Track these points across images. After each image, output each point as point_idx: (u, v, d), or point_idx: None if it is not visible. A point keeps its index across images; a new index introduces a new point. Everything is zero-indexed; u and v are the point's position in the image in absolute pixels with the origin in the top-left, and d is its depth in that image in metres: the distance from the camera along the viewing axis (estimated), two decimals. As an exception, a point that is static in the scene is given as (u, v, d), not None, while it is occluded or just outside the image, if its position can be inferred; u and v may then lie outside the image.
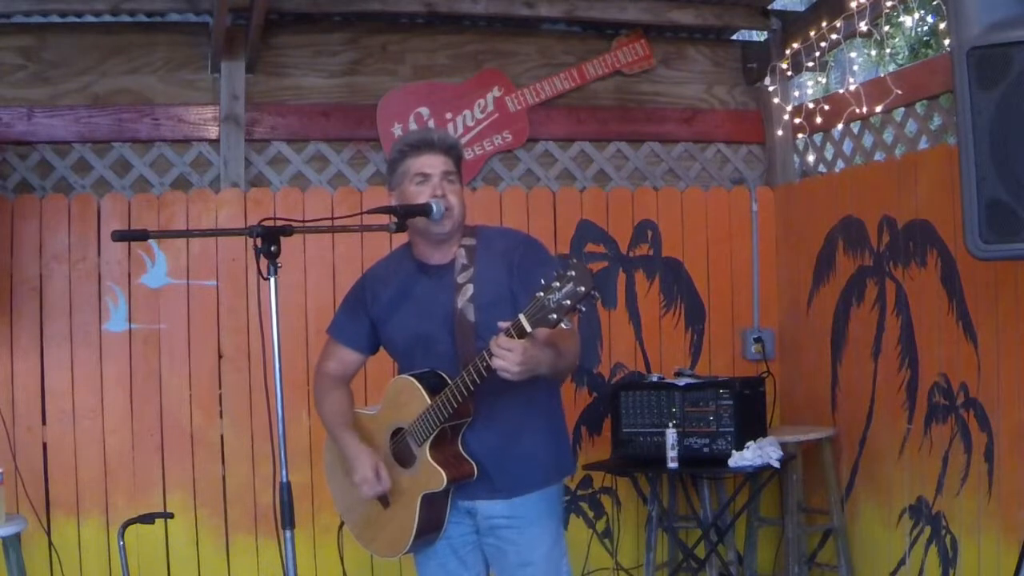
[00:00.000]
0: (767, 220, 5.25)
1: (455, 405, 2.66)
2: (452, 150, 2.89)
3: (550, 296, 2.33)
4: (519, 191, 5.02)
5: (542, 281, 2.36)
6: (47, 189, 4.58)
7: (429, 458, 2.74)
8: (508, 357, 2.45)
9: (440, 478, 2.73)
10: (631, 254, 5.11)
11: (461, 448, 2.80)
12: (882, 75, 4.51)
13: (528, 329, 2.40)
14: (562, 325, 2.36)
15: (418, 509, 2.78)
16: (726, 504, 4.58)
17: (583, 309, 2.38)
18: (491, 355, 2.48)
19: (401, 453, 2.86)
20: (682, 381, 4.45)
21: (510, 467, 2.83)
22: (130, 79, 4.74)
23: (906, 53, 9.42)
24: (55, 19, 4.69)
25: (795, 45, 4.82)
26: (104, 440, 4.48)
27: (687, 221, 5.18)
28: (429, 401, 2.72)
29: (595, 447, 4.93)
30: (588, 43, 5.27)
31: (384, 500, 2.91)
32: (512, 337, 2.43)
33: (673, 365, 4.96)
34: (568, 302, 2.32)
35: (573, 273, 2.32)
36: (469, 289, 2.83)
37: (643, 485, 4.65)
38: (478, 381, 2.59)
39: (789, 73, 5.08)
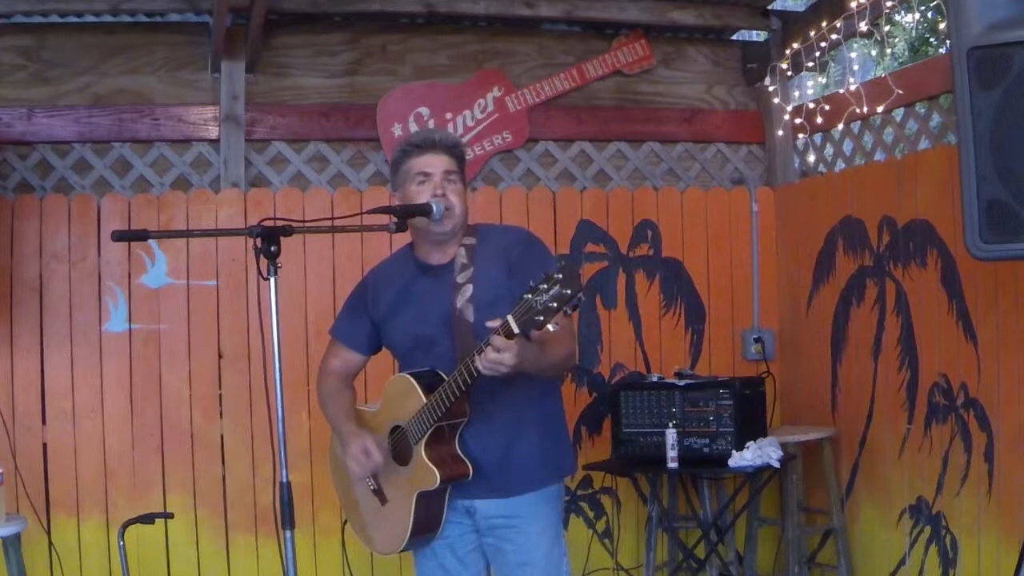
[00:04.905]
0: (767, 220, 5.25)
1: (449, 404, 2.67)
2: (454, 150, 2.90)
3: (537, 298, 2.32)
4: (519, 191, 5.02)
5: (530, 283, 2.36)
6: (47, 189, 4.58)
7: (424, 457, 2.74)
8: (502, 359, 2.45)
9: (434, 477, 2.73)
10: (631, 254, 5.11)
11: (458, 447, 2.80)
12: (882, 75, 4.51)
13: (516, 330, 2.39)
14: (548, 327, 2.35)
15: (413, 507, 2.79)
16: (726, 504, 4.58)
17: (569, 312, 2.37)
18: (481, 354, 2.48)
19: (400, 451, 2.86)
20: (682, 381, 4.45)
21: (509, 467, 2.83)
22: (130, 79, 4.74)
23: (906, 54, 9.42)
24: (55, 19, 4.69)
25: (795, 45, 4.82)
26: (104, 440, 4.48)
27: (687, 221, 5.18)
28: (425, 399, 2.73)
29: (595, 447, 4.93)
30: (588, 43, 5.27)
31: (382, 497, 2.92)
32: (501, 338, 2.43)
33: (673, 365, 4.95)
34: (554, 304, 2.31)
35: (560, 275, 2.31)
36: (468, 289, 2.83)
37: (643, 485, 4.65)
38: (469, 381, 2.59)
39: (789, 73, 5.08)
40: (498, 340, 2.43)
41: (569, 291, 2.30)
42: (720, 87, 5.45)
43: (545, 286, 2.32)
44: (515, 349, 2.44)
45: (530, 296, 2.34)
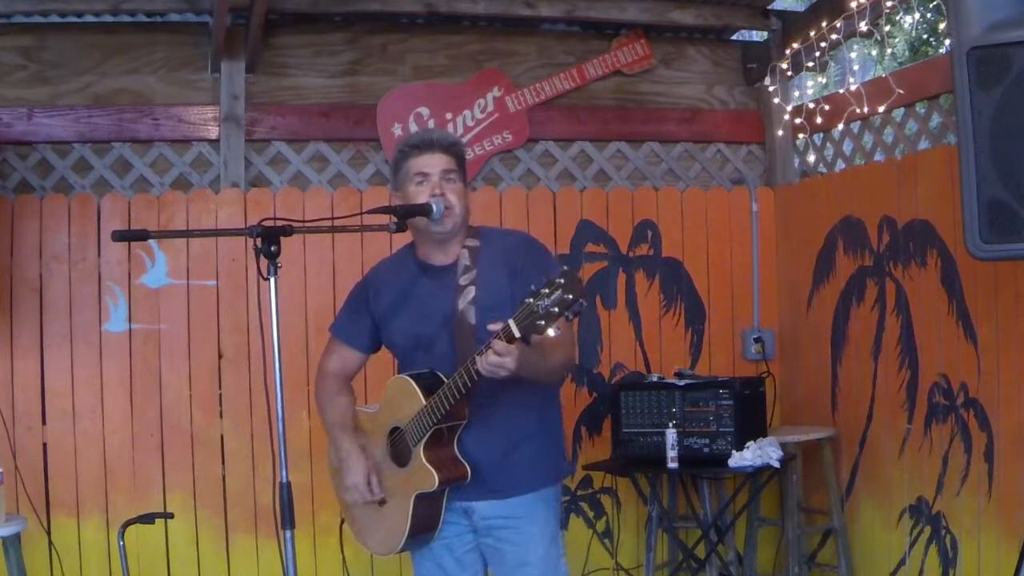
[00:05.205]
0: (767, 220, 5.24)
1: (448, 406, 2.67)
2: (452, 149, 2.90)
3: (539, 303, 2.34)
4: (519, 191, 5.02)
5: (532, 287, 2.37)
6: (47, 189, 4.58)
7: (423, 458, 2.75)
8: (503, 363, 2.46)
9: (432, 479, 2.73)
10: (631, 254, 5.11)
11: (457, 450, 2.80)
12: (882, 75, 4.51)
13: (517, 335, 2.40)
14: (549, 332, 2.36)
15: (412, 509, 2.79)
16: (726, 504, 4.58)
17: (571, 317, 2.38)
18: (482, 357, 2.49)
19: (398, 452, 2.86)
20: (682, 381, 4.45)
21: (506, 469, 2.83)
22: (130, 79, 4.74)
23: (906, 54, 9.43)
24: (55, 19, 4.69)
25: (795, 45, 4.82)
26: (104, 440, 4.48)
27: (687, 221, 5.18)
28: (424, 401, 2.73)
29: (595, 447, 4.93)
30: (588, 43, 5.27)
31: (380, 498, 2.92)
32: (502, 342, 2.44)
33: (673, 365, 4.95)
34: (556, 309, 2.32)
35: (563, 280, 2.32)
36: (471, 291, 2.83)
37: (643, 485, 4.65)
38: (469, 384, 2.60)
39: (789, 73, 5.08)
40: (499, 344, 2.44)
41: (571, 296, 2.31)
42: (720, 87, 5.45)
43: (547, 291, 2.33)
44: (516, 353, 2.45)
45: (532, 300, 2.35)
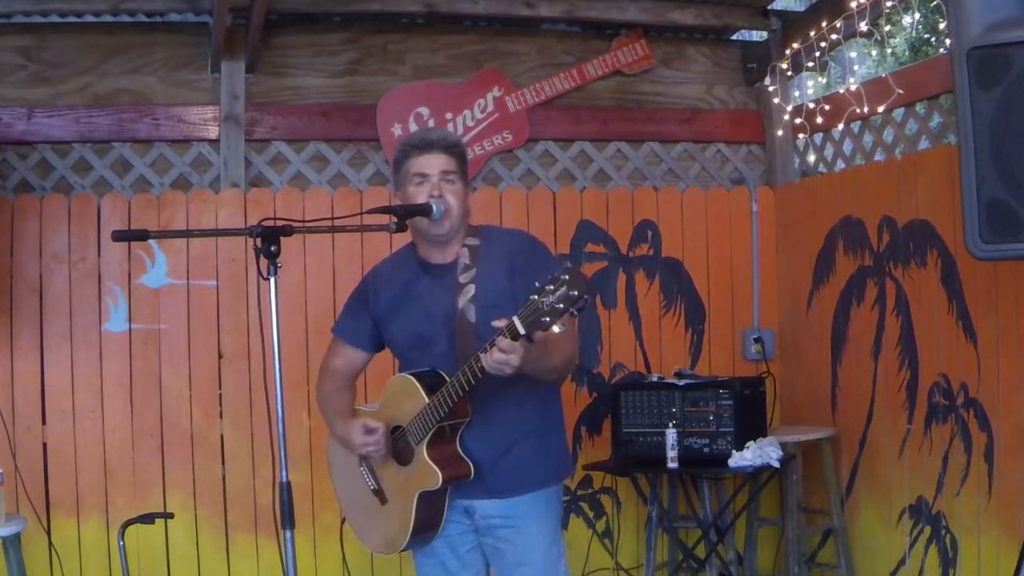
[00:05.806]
0: (767, 220, 5.25)
1: (451, 404, 2.67)
2: (452, 149, 2.90)
3: (544, 299, 2.34)
4: (519, 191, 5.02)
5: (536, 284, 2.37)
6: (47, 189, 4.58)
7: (426, 456, 2.75)
8: (508, 360, 2.46)
9: (436, 477, 2.73)
10: (631, 254, 5.11)
11: (459, 448, 2.80)
12: (882, 75, 4.51)
13: (522, 331, 2.41)
14: (554, 328, 2.37)
15: (415, 507, 2.79)
16: (726, 504, 4.58)
17: (575, 313, 2.39)
18: (486, 354, 2.49)
19: (400, 451, 2.87)
20: (682, 381, 4.46)
21: (506, 468, 2.83)
22: (130, 79, 4.74)
23: (907, 54, 9.42)
24: (55, 19, 4.69)
25: (795, 45, 4.82)
26: (104, 440, 4.48)
27: (687, 221, 5.18)
28: (427, 400, 2.73)
29: (595, 447, 4.93)
30: (588, 43, 5.28)
31: (382, 496, 2.92)
32: (507, 339, 2.44)
33: (673, 365, 4.95)
34: (561, 306, 2.33)
35: (567, 277, 2.33)
36: (471, 289, 2.83)
37: (643, 485, 4.65)
38: (472, 382, 2.60)
39: (789, 73, 5.08)
40: (504, 341, 2.44)
41: (576, 292, 2.32)
42: (720, 87, 5.45)
43: (551, 287, 2.34)
44: (520, 350, 2.45)
45: (536, 297, 2.36)
